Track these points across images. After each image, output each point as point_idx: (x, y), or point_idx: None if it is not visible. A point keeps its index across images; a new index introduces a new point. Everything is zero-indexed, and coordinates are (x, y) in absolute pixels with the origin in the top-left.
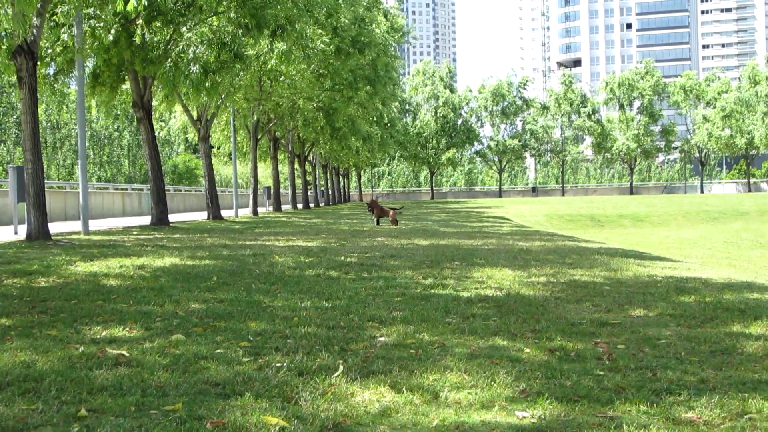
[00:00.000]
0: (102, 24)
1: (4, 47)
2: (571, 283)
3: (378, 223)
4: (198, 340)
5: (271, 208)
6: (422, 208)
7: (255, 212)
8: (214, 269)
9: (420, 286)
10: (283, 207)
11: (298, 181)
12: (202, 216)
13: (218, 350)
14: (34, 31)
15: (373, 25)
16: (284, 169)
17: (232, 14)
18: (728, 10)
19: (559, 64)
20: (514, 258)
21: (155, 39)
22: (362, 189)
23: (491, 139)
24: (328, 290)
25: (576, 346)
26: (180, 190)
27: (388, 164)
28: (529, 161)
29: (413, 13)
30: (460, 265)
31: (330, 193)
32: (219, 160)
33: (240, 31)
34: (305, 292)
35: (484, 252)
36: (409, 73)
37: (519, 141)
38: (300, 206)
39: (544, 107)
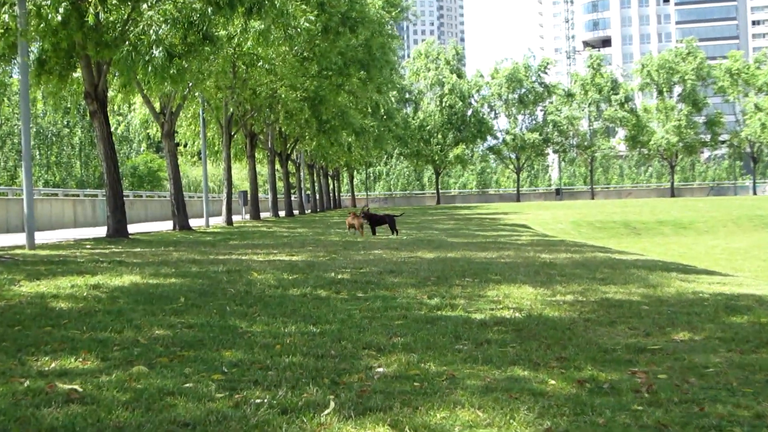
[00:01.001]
0: (49, 2)
1: None
2: (603, 302)
3: (374, 233)
4: (163, 372)
5: (247, 216)
6: (426, 215)
7: (229, 221)
8: (182, 289)
9: (425, 306)
10: (262, 215)
11: (280, 184)
12: (167, 226)
13: (187, 384)
14: None
15: None
16: (263, 170)
17: None
18: None
19: (586, 44)
20: (536, 273)
21: (111, 19)
22: (355, 193)
23: (507, 132)
24: (316, 313)
25: (609, 377)
26: (141, 196)
27: (386, 163)
28: (552, 158)
29: None
30: (471, 282)
31: (317, 197)
32: (186, 160)
33: (210, 9)
34: (289, 315)
35: (501, 266)
36: (409, 56)
37: (540, 134)
38: (282, 214)
39: (569, 94)
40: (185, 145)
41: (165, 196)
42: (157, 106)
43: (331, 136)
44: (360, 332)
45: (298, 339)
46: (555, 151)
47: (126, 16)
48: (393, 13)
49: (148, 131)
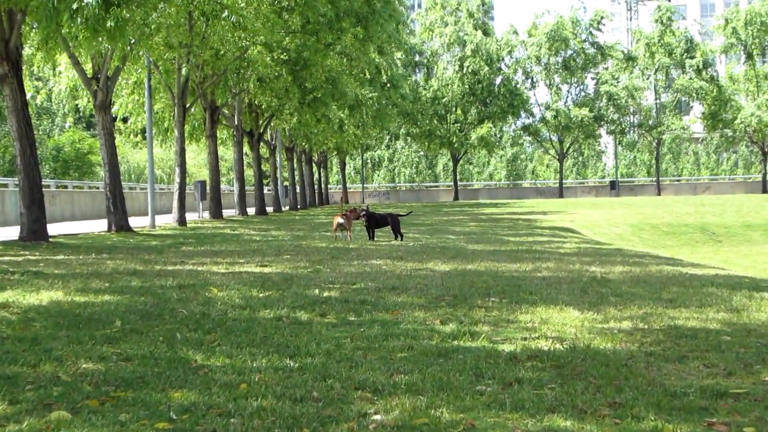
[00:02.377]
0: None
1: None
2: (671, 330)
3: (372, 237)
4: (91, 419)
5: (206, 214)
6: (441, 214)
7: (182, 220)
8: (118, 309)
9: (436, 335)
10: (226, 212)
11: (249, 173)
12: (100, 226)
13: None
14: None
15: None
16: (227, 154)
17: None
18: None
19: None
20: (583, 292)
21: None
22: (348, 185)
23: (547, 107)
24: (295, 342)
25: (679, 430)
26: (66, 187)
27: (388, 146)
28: (606, 142)
29: None
30: (498, 303)
31: (299, 190)
32: (127, 141)
33: None
34: (259, 344)
35: (537, 282)
36: (420, 7)
37: (590, 110)
38: (251, 211)
39: (629, 58)
40: (125, 121)
41: (98, 187)
42: (88, 69)
43: (317, 110)
44: (351, 368)
45: (270, 376)
46: (610, 132)
47: None
48: None
49: (76, 102)
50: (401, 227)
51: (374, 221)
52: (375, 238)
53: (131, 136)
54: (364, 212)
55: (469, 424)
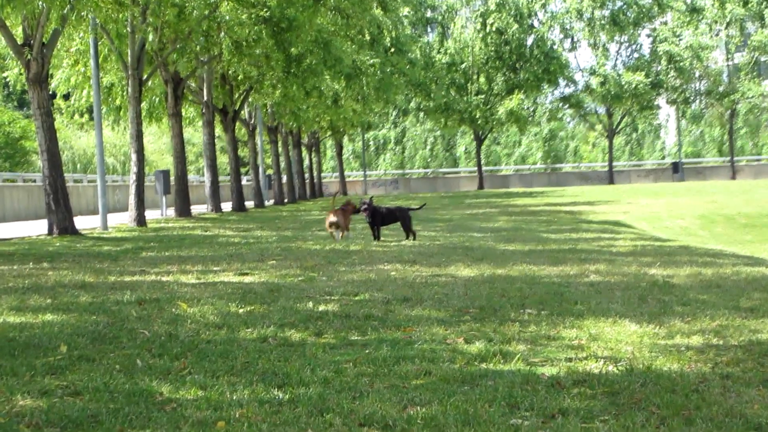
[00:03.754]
0: None
1: None
2: (752, 347)
3: (377, 236)
4: None
5: (171, 212)
6: (463, 206)
7: (141, 220)
8: (63, 332)
9: (460, 356)
10: (196, 208)
11: (223, 160)
12: (38, 228)
13: None
14: None
15: None
16: (196, 137)
17: None
18: None
19: None
20: (642, 300)
21: None
22: (345, 173)
23: (592, 72)
24: (284, 368)
25: None
26: None
27: (396, 125)
28: (667, 114)
29: None
30: (536, 316)
31: (285, 180)
32: (70, 122)
33: None
34: (239, 372)
35: (584, 289)
36: None
37: (646, 75)
38: (228, 207)
39: (693, 10)
40: (67, 98)
41: (35, 180)
42: (18, 34)
43: (305, 81)
44: (355, 399)
45: (253, 412)
46: (670, 102)
47: None
48: None
49: (4, 75)
50: (413, 224)
51: (380, 217)
52: (381, 238)
53: (75, 116)
54: (366, 206)
55: None
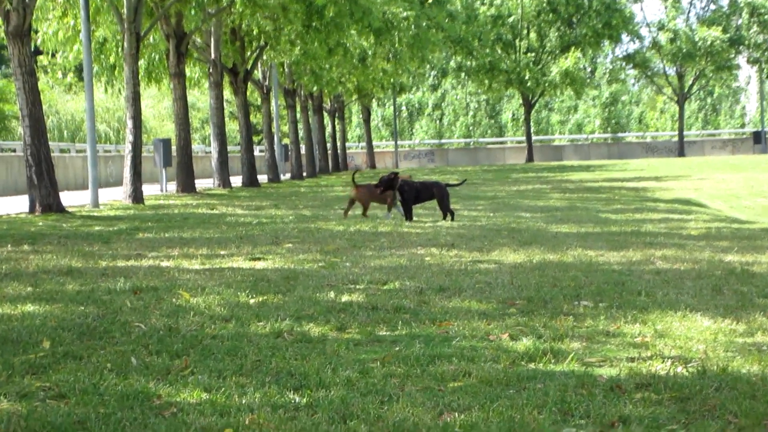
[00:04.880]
0: None
1: None
2: None
3: (410, 216)
4: None
5: (172, 187)
6: (509, 182)
7: (137, 196)
8: (46, 325)
9: (504, 355)
10: (201, 183)
11: (233, 127)
12: (19, 204)
13: None
14: None
15: None
16: (202, 100)
17: None
18: None
19: None
20: (717, 291)
21: None
22: (373, 143)
23: (661, 27)
24: (301, 368)
25: None
26: None
27: (434, 88)
28: (747, 75)
29: None
30: (594, 309)
31: (304, 151)
32: (56, 83)
33: None
34: (250, 371)
35: (649, 278)
36: None
37: (724, 31)
38: (238, 181)
39: None
40: (53, 56)
41: (14, 150)
42: None
43: (328, 36)
44: (383, 404)
45: (266, 418)
46: (752, 62)
47: None
48: None
49: None
50: (451, 202)
51: (413, 193)
52: (414, 218)
53: (62, 76)
54: (393, 178)
55: None
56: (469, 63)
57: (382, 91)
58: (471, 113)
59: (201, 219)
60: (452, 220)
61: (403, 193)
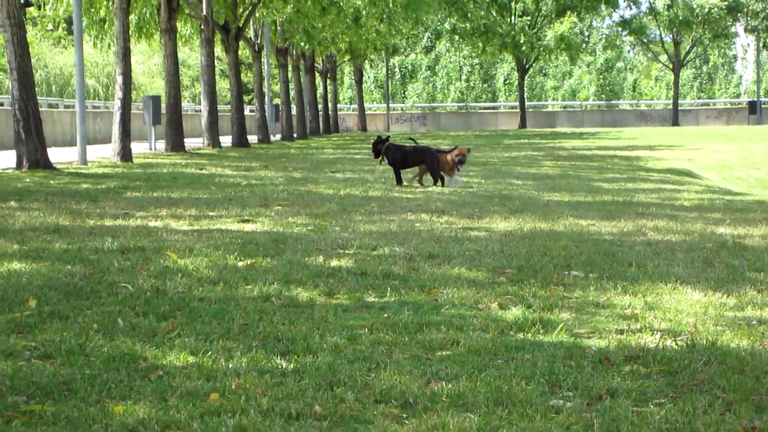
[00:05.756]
0: None
1: None
2: None
3: (400, 180)
4: None
5: (161, 145)
6: (501, 148)
7: (126, 153)
8: (32, 284)
9: (493, 324)
10: (190, 142)
11: (224, 86)
12: (5, 160)
13: None
14: None
15: None
16: (192, 57)
17: None
18: None
19: None
20: (707, 264)
21: None
22: (365, 105)
23: None
24: (289, 333)
25: None
26: None
27: (427, 50)
28: (744, 44)
29: None
30: (584, 279)
31: (295, 112)
32: (44, 36)
33: None
34: (237, 335)
35: (640, 249)
36: None
37: None
38: (228, 141)
39: None
40: (40, 8)
41: (2, 104)
42: None
43: None
44: (370, 371)
45: (252, 383)
46: (750, 30)
47: None
48: None
49: None
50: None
51: (400, 157)
52: (403, 182)
53: (50, 28)
54: (379, 142)
55: None
56: (463, 25)
57: (375, 53)
58: (464, 77)
59: (190, 179)
60: (443, 186)
61: (388, 157)
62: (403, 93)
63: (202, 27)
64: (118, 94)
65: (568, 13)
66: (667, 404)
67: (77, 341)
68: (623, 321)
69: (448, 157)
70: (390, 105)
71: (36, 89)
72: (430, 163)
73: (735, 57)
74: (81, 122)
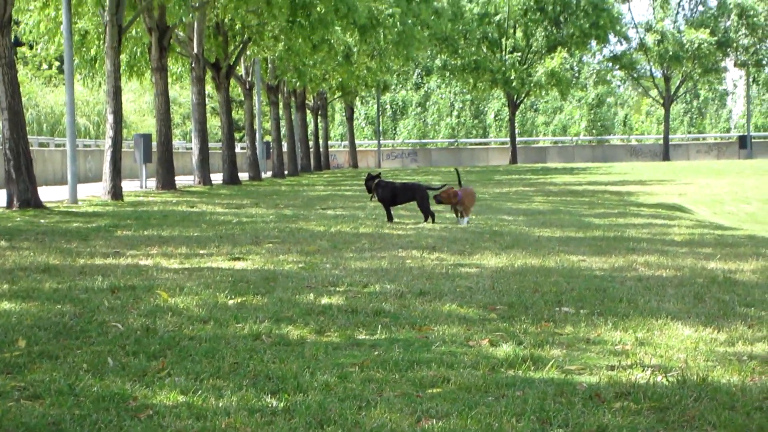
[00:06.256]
0: None
1: None
2: None
3: (390, 216)
4: None
5: (152, 183)
6: (492, 183)
7: (117, 192)
8: (22, 323)
9: (484, 360)
10: (181, 180)
11: (214, 123)
12: None
13: None
14: None
15: None
16: (183, 95)
17: None
18: None
19: None
20: (698, 299)
21: None
22: (356, 141)
23: (648, 28)
24: (279, 371)
25: None
26: None
27: (418, 86)
28: (734, 79)
29: None
30: (575, 315)
31: (286, 149)
32: (36, 75)
33: None
34: (227, 374)
35: (631, 285)
36: None
37: (712, 33)
38: (219, 178)
39: None
40: (33, 47)
41: None
42: None
43: (313, 32)
44: (360, 409)
45: (243, 421)
46: (740, 65)
47: None
48: None
49: None
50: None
51: (389, 194)
52: (393, 219)
53: (42, 68)
54: (372, 179)
55: None
56: (454, 62)
57: (366, 89)
58: (455, 113)
59: (181, 217)
60: (433, 222)
61: (378, 193)
62: (394, 129)
63: (193, 65)
64: (109, 132)
65: (559, 48)
66: None
67: (67, 381)
68: (614, 357)
69: (457, 194)
70: (381, 141)
71: (27, 128)
72: (419, 199)
73: (725, 91)
74: (72, 161)
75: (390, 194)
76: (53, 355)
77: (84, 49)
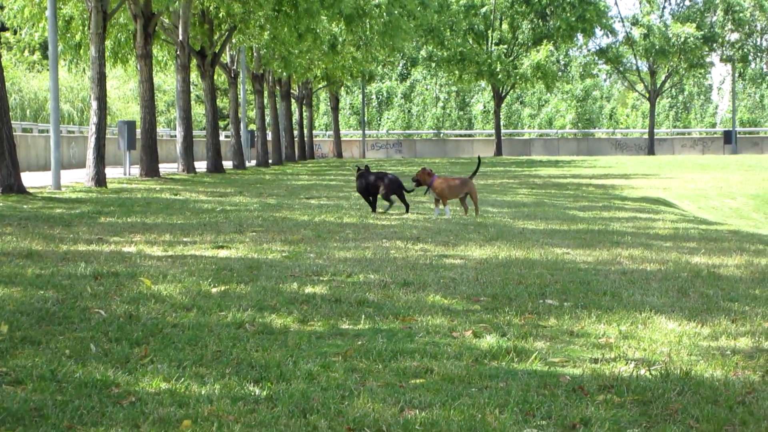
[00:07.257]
0: None
1: None
2: None
3: (374, 207)
4: None
5: (136, 170)
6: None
7: (100, 178)
8: (4, 309)
9: (467, 351)
10: (165, 167)
11: (199, 111)
12: None
13: None
14: None
15: None
16: (168, 82)
17: None
18: None
19: None
20: (682, 293)
21: None
22: (341, 131)
23: (635, 22)
24: (262, 359)
25: None
26: None
27: (403, 77)
28: (720, 74)
29: None
30: (558, 308)
31: (271, 138)
32: (19, 60)
33: None
34: (210, 362)
35: (615, 278)
36: None
37: (698, 27)
38: (203, 167)
39: None
40: (17, 32)
41: None
42: None
43: (299, 21)
44: (344, 399)
45: (225, 409)
46: (725, 60)
47: None
48: None
49: None
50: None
51: (363, 185)
52: (377, 210)
53: (25, 53)
54: (359, 169)
55: None
56: (440, 53)
57: (351, 79)
58: (441, 104)
59: (164, 204)
60: (407, 212)
61: (357, 184)
62: (379, 120)
63: (178, 53)
64: (93, 119)
65: (545, 41)
66: None
67: (49, 367)
68: (597, 350)
69: (456, 183)
70: (366, 132)
71: (10, 113)
72: (385, 187)
73: (711, 87)
74: (55, 147)
75: (364, 184)
76: (35, 340)
77: (69, 35)
